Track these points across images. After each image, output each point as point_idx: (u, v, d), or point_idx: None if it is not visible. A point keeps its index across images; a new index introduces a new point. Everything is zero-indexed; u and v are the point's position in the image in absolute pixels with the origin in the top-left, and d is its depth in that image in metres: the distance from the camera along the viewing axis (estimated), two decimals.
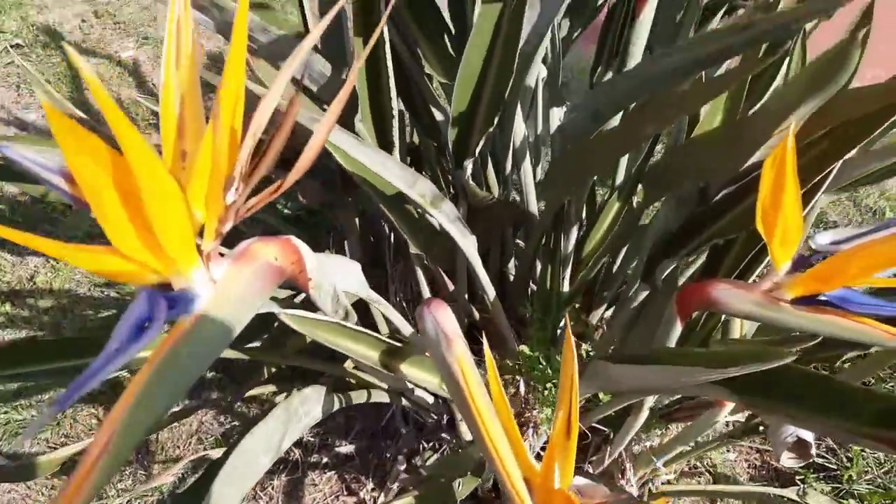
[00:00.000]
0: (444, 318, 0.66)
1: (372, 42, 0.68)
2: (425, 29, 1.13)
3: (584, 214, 1.48)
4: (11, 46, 2.65)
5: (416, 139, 1.51)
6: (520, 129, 1.24)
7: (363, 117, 1.03)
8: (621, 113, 1.07)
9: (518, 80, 1.07)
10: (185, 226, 0.43)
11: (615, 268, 1.54)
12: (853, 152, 0.77)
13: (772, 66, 1.11)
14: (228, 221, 0.48)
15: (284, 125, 0.49)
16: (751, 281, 1.07)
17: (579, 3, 1.54)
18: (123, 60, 2.62)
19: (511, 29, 0.96)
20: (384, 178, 0.93)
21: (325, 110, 1.20)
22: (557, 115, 1.47)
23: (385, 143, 1.06)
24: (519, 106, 1.19)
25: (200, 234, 0.46)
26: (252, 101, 0.49)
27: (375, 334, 0.97)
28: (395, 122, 1.02)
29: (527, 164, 1.30)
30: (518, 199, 1.41)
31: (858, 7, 1.00)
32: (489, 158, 1.38)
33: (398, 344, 1.03)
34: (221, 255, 0.49)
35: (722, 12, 1.38)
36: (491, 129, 1.04)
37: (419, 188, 1.00)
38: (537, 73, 1.25)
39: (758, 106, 0.98)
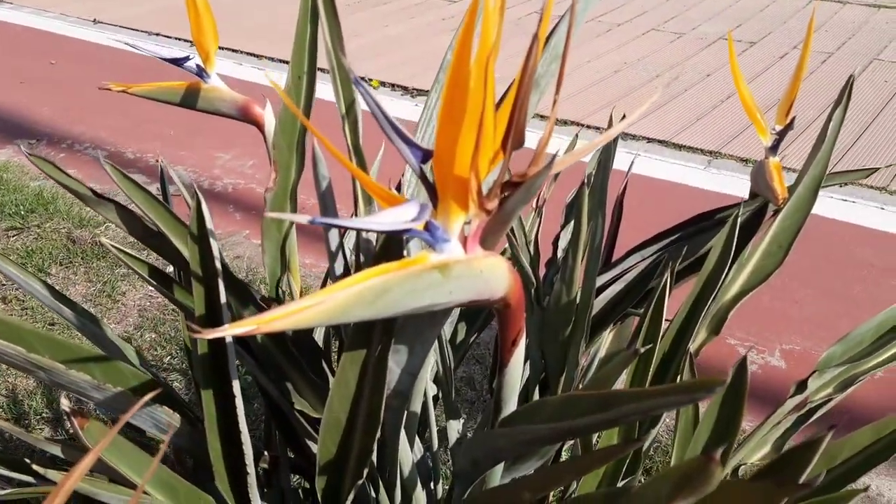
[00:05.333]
0: None
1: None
2: (295, 362, 1.05)
3: None
4: None
5: None
6: (407, 458, 1.14)
7: (218, 477, 0.92)
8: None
9: (396, 419, 0.98)
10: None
11: None
12: None
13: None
14: None
15: None
16: None
17: (473, 310, 1.51)
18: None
19: (376, 377, 0.89)
20: None
21: (180, 464, 1.09)
22: (456, 427, 1.38)
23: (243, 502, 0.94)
24: (404, 435, 1.09)
25: None
26: None
27: None
28: (252, 479, 0.91)
29: (419, 493, 1.19)
30: None
31: None
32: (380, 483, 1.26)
33: None
34: None
35: (613, 323, 1.36)
36: (361, 482, 0.93)
37: None
38: (422, 398, 1.17)
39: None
